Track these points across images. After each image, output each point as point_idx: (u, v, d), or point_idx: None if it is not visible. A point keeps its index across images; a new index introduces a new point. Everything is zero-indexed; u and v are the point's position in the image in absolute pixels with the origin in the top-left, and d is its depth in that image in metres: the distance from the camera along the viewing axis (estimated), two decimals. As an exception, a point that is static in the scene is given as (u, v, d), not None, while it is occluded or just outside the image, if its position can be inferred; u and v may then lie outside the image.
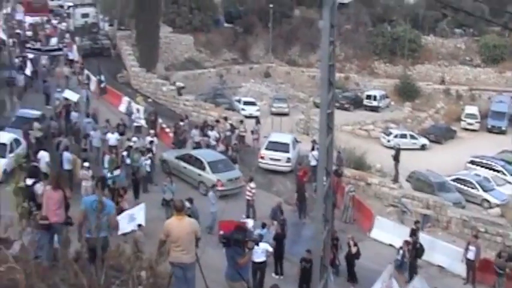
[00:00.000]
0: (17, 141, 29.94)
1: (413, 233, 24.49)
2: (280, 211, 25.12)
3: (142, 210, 23.53)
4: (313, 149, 32.48)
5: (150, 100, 42.59)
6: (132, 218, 22.77)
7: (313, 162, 31.50)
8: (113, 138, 31.47)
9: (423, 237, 25.29)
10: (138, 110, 38.70)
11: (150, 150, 31.15)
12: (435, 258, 25.90)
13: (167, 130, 38.04)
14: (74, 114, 35.55)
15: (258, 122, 38.99)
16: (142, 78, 51.09)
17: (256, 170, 33.40)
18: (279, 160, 34.19)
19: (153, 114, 37.77)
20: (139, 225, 21.75)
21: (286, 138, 36.66)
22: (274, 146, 34.70)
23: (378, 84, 67.60)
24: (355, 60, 71.96)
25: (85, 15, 61.83)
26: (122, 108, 42.90)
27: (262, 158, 34.52)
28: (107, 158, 28.78)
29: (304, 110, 54.12)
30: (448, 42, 72.91)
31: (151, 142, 32.04)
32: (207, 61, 67.75)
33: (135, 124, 37.04)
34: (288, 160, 34.19)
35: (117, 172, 26.27)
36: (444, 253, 25.98)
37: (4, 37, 51.37)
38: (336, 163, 28.85)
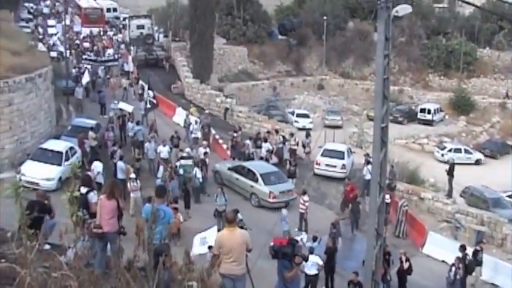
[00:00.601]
0: (72, 150, 30.62)
1: (464, 248, 23.84)
2: (333, 225, 24.92)
3: (214, 231, 23.41)
4: (367, 163, 32.16)
5: (206, 111, 42.72)
6: (204, 241, 22.60)
7: (367, 176, 31.17)
8: (164, 151, 31.75)
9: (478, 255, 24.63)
10: (196, 122, 38.85)
11: (204, 161, 31.35)
12: (489, 276, 25.23)
13: (220, 141, 38.30)
14: (129, 125, 36.19)
15: (308, 135, 38.77)
16: (196, 89, 51.60)
17: (309, 183, 33.27)
18: (334, 166, 34.81)
19: (206, 127, 37.97)
20: (210, 247, 21.62)
21: (341, 146, 37.94)
22: (330, 153, 35.50)
23: (432, 97, 66.57)
24: (409, 73, 71.09)
25: (140, 27, 62.76)
26: (176, 119, 43.45)
27: (318, 164, 35.15)
28: (161, 168, 29.16)
29: (358, 123, 53.69)
30: (505, 55, 71.33)
31: (205, 153, 32.22)
32: (260, 73, 68.00)
33: (193, 136, 37.21)
34: (343, 167, 34.78)
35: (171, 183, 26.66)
36: (499, 271, 25.30)
37: (62, 48, 52.65)
38: (389, 177, 28.49)
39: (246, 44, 67.66)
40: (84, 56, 49.45)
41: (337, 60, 72.05)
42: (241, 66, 66.70)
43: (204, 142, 34.32)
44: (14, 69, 31.37)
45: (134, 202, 25.11)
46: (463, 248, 23.82)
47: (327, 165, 34.87)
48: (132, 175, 26.78)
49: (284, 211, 25.89)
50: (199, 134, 37.53)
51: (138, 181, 26.38)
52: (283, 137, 37.57)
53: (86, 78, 46.91)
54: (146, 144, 32.26)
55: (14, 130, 30.70)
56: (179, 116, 43.81)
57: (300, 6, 76.87)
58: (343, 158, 35.24)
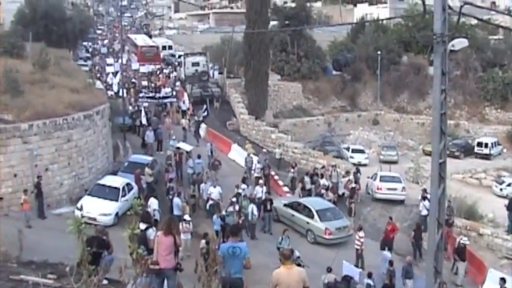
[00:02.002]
0: (129, 186, 31.10)
1: (504, 281, 23.03)
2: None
3: None
4: (424, 199, 31.65)
5: (264, 150, 42.33)
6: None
7: (423, 212, 30.81)
8: (215, 192, 31.12)
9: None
10: (258, 162, 38.75)
11: (265, 200, 31.16)
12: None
13: (276, 177, 38.30)
14: (189, 162, 36.67)
15: (357, 171, 38.51)
16: (251, 125, 51.92)
17: (365, 219, 32.93)
18: (395, 189, 37.24)
19: (267, 168, 37.63)
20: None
21: (394, 173, 41.23)
22: (388, 179, 38.42)
23: (489, 131, 65.16)
24: (465, 107, 69.87)
25: (195, 64, 63.59)
26: (232, 155, 43.73)
27: (379, 189, 37.19)
28: (210, 202, 29.31)
29: (414, 158, 52.98)
30: None
31: (267, 193, 32.26)
32: (315, 108, 67.99)
33: (255, 175, 37.02)
34: (403, 189, 37.52)
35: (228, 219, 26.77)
36: None
37: (115, 86, 53.64)
38: (446, 213, 27.88)
39: (300, 80, 67.87)
40: (141, 94, 50.29)
41: (392, 95, 71.55)
42: (296, 102, 66.86)
43: (260, 181, 33.99)
44: (73, 106, 32.24)
45: (185, 244, 24.69)
46: (503, 280, 23.00)
47: (388, 188, 37.19)
48: (186, 216, 26.69)
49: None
50: (260, 174, 37.33)
51: (191, 223, 26.19)
52: (340, 173, 37.45)
53: (143, 116, 47.77)
54: (202, 185, 32.18)
55: (73, 166, 31.35)
56: (235, 152, 44.09)
57: (354, 41, 76.87)
58: (401, 182, 38.32)
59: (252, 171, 38.22)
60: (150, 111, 48.92)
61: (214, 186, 31.40)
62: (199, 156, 37.44)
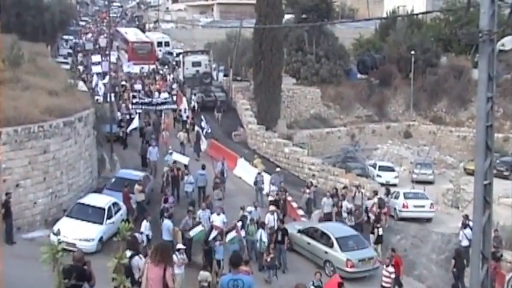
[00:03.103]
0: (115, 206, 31.06)
1: None
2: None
3: None
4: (464, 227, 31.41)
5: (278, 170, 41.28)
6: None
7: (464, 242, 30.54)
8: (218, 220, 29.90)
9: None
10: (272, 183, 38.35)
11: (284, 230, 30.84)
12: None
13: (289, 199, 38.14)
14: (185, 178, 36.72)
15: (388, 193, 38.36)
16: (261, 137, 51.89)
17: (395, 249, 32.66)
18: (422, 206, 38.87)
19: (283, 192, 37.18)
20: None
21: (418, 190, 43.29)
22: (414, 195, 40.14)
23: (545, 146, 64.90)
24: (516, 118, 69.68)
25: (196, 64, 63.73)
26: (238, 171, 43.65)
27: (405, 207, 38.52)
28: (214, 233, 29.00)
29: (453, 178, 52.82)
30: None
31: (282, 221, 32.01)
32: (336, 118, 67.94)
33: (270, 198, 36.69)
34: (432, 206, 39.30)
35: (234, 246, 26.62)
36: None
37: (102, 90, 53.52)
38: (493, 244, 27.67)
39: (319, 85, 67.88)
40: (134, 100, 49.85)
41: (428, 103, 71.39)
42: (313, 111, 66.83)
43: (272, 207, 33.48)
44: (51, 111, 32.13)
45: (180, 279, 23.46)
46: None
47: (415, 206, 38.64)
48: (180, 245, 25.68)
49: None
50: (275, 196, 36.95)
51: (185, 255, 25.50)
52: (365, 194, 37.31)
53: (134, 124, 47.68)
54: (199, 212, 30.99)
55: (49, 182, 31.18)
56: (241, 168, 44.03)
57: (383, 39, 76.88)
58: (428, 199, 40.03)
59: (264, 193, 38.07)
60: (148, 121, 48.54)
61: (218, 214, 30.82)
62: (203, 167, 37.72)
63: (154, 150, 41.42)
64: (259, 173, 39.64)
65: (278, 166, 44.47)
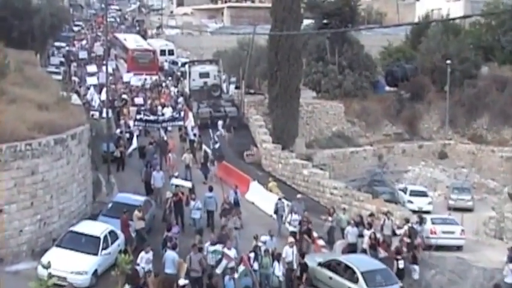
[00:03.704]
0: (112, 235, 30.93)
1: None
2: None
3: None
4: (510, 260, 31.14)
5: (299, 196, 40.62)
6: None
7: (509, 279, 30.28)
8: (229, 254, 29.88)
9: None
10: (294, 211, 37.95)
11: (304, 265, 30.63)
12: None
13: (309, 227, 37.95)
14: (191, 204, 36.67)
15: (421, 221, 38.14)
16: (277, 157, 51.75)
17: (428, 286, 32.45)
18: (452, 233, 38.89)
19: (305, 223, 36.86)
20: None
21: (446, 215, 43.67)
22: (443, 221, 40.27)
23: None
24: None
25: (204, 75, 63.82)
26: (250, 196, 43.49)
27: (433, 233, 38.25)
28: (223, 263, 28.89)
29: (496, 205, 52.41)
30: None
31: (302, 255, 31.70)
32: (361, 136, 67.85)
33: (291, 229, 36.34)
34: (463, 232, 39.35)
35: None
36: None
37: (95, 103, 53.45)
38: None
39: (342, 99, 67.89)
40: (138, 116, 49.64)
41: (466, 119, 71.21)
42: (336, 128, 66.81)
43: (291, 239, 33.35)
44: (40, 127, 32.07)
45: None
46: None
47: (444, 232, 38.51)
48: (182, 280, 25.59)
49: None
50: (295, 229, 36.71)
51: None
52: (395, 223, 37.09)
53: (133, 145, 47.67)
54: (206, 245, 30.62)
55: (37, 207, 31.03)
56: (254, 192, 43.89)
57: (415, 47, 76.84)
58: (458, 224, 40.15)
59: (283, 221, 37.91)
60: (153, 140, 48.34)
61: (229, 248, 30.70)
62: (211, 189, 37.87)
63: (159, 176, 41.07)
64: (279, 199, 39.36)
65: (297, 191, 44.35)
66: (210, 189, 37.98)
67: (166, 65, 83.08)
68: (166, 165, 45.25)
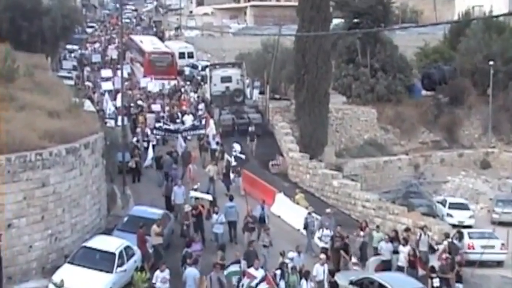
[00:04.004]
0: (128, 251, 31.03)
1: None
2: None
3: None
4: None
5: (328, 211, 40.45)
6: None
7: None
8: (257, 273, 29.57)
9: None
10: (326, 227, 37.81)
11: (334, 284, 30.56)
12: None
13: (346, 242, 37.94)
14: (214, 217, 36.82)
15: (460, 237, 37.97)
16: (304, 167, 51.77)
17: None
18: (492, 247, 38.93)
19: (339, 239, 36.70)
20: None
21: (489, 229, 44.16)
22: (481, 235, 40.67)
23: None
24: None
25: (226, 79, 63.97)
26: (276, 209, 43.52)
27: (471, 248, 38.62)
28: (245, 282, 28.89)
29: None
30: None
31: (332, 273, 31.60)
32: (396, 144, 67.67)
33: (322, 245, 36.43)
34: (503, 246, 39.78)
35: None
36: None
37: (109, 109, 53.52)
38: None
39: (375, 104, 67.76)
40: (158, 124, 49.68)
41: (511, 125, 70.74)
42: (368, 135, 66.66)
43: (323, 256, 33.34)
44: (51, 136, 32.22)
45: None
46: None
47: (482, 247, 38.16)
48: None
49: None
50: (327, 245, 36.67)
51: None
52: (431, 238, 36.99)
53: (149, 156, 47.87)
54: (230, 266, 31.12)
55: (48, 221, 31.18)
56: (280, 205, 43.89)
57: (454, 47, 76.41)
58: (497, 238, 40.43)
59: (313, 236, 37.92)
60: (173, 150, 48.46)
61: (257, 268, 30.48)
62: (231, 198, 38.33)
63: (180, 191, 40.61)
64: (309, 213, 39.22)
65: (326, 204, 44.38)
66: (231, 198, 38.34)
67: (187, 70, 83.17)
68: (186, 177, 45.11)
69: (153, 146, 49.66)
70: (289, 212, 42.67)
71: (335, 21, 66.80)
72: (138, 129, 52.77)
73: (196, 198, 38.69)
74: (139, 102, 61.45)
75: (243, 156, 45.91)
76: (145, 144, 50.38)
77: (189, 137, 50.77)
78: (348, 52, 69.15)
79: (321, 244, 36.53)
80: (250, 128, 56.62)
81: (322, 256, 32.64)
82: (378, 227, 39.26)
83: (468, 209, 54.11)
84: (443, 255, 34.66)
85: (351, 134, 65.75)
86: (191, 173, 45.45)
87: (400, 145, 67.85)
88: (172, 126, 50.31)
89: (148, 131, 51.65)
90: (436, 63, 73.62)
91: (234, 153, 47.09)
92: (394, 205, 45.83)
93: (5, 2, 56.73)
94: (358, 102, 67.78)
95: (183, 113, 57.90)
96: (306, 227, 38.83)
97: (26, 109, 34.35)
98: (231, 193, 43.01)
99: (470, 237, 39.66)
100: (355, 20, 67.84)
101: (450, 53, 75.83)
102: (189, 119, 55.39)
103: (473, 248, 38.55)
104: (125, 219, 35.95)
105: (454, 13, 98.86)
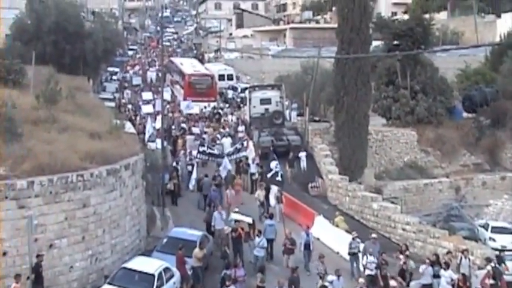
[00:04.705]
0: (167, 272, 31.20)
1: None
2: None
3: None
4: None
5: (373, 236, 39.97)
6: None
7: None
8: None
9: None
10: (370, 253, 37.50)
11: None
12: None
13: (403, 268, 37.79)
14: (256, 240, 36.92)
15: (500, 261, 37.61)
16: (344, 189, 51.62)
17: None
18: None
19: (384, 267, 36.41)
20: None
21: None
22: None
23: None
24: None
25: (265, 101, 64.09)
26: (316, 232, 43.45)
27: (506, 270, 37.19)
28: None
29: None
30: None
31: None
32: (436, 167, 67.23)
33: (367, 272, 35.96)
34: None
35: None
36: None
37: (149, 131, 53.43)
38: None
39: (415, 126, 67.36)
40: (201, 148, 49.52)
41: (557, 147, 70.20)
42: (408, 157, 66.30)
43: (361, 280, 33.17)
44: (92, 157, 32.66)
45: None
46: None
47: None
48: None
49: None
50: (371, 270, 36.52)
51: None
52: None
53: (193, 179, 48.03)
54: None
55: (89, 242, 31.58)
56: (319, 227, 43.85)
57: (496, 68, 75.92)
58: None
59: (357, 262, 37.82)
60: (216, 174, 48.39)
61: None
62: (271, 217, 38.68)
63: (219, 216, 40.21)
64: (353, 239, 38.79)
65: (366, 226, 44.18)
66: (271, 216, 38.51)
67: (230, 93, 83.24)
68: (224, 202, 44.51)
69: (193, 167, 49.88)
70: (328, 234, 42.61)
71: (374, 43, 66.75)
72: (181, 152, 52.84)
73: (236, 221, 38.72)
74: (182, 125, 61.63)
75: (279, 177, 45.41)
76: (189, 167, 50.63)
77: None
78: (387, 74, 68.88)
79: (367, 272, 35.87)
80: (290, 154, 56.23)
81: (361, 280, 32.55)
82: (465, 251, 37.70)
83: (511, 233, 53.71)
84: (487, 281, 34.44)
85: (391, 156, 65.49)
86: (228, 198, 45.27)
87: (440, 168, 67.42)
88: (216, 151, 50.36)
89: (192, 153, 51.76)
90: (478, 85, 73.10)
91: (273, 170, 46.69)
92: (434, 228, 45.53)
93: (48, 25, 57.45)
94: (398, 124, 67.48)
95: (222, 135, 58.10)
96: (350, 253, 38.41)
97: (68, 131, 34.81)
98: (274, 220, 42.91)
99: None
100: (395, 42, 67.71)
101: (492, 75, 75.26)
102: (227, 142, 55.68)
103: (507, 270, 37.87)
104: (164, 240, 36.11)
105: (495, 34, 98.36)
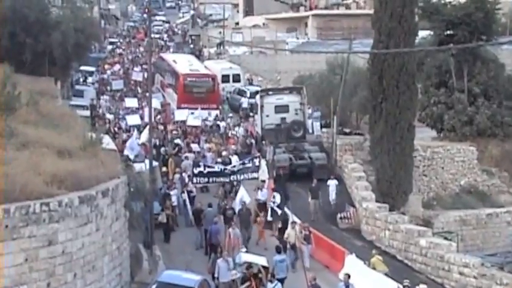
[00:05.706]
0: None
1: None
2: None
3: None
4: None
5: (406, 284, 39.03)
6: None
7: None
8: None
9: None
10: None
11: None
12: None
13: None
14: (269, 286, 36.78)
15: None
16: (382, 221, 51.50)
17: None
18: None
19: None
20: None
21: None
22: None
23: None
24: None
25: (282, 108, 64.04)
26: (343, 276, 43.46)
27: None
28: None
29: None
30: None
31: None
32: (503, 192, 67.16)
33: None
34: None
35: None
36: None
37: (133, 151, 53.31)
38: None
39: (474, 139, 67.39)
40: (197, 169, 48.89)
41: None
42: (465, 180, 66.33)
43: None
44: (60, 181, 32.43)
45: None
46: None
47: None
48: None
49: None
50: None
51: None
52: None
53: (189, 210, 48.20)
54: None
55: (57, 289, 31.64)
56: (351, 270, 43.73)
57: None
58: None
59: None
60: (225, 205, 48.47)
61: None
62: (279, 250, 39.38)
63: (224, 265, 39.07)
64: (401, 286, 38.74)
65: (412, 269, 44.12)
66: (279, 250, 38.55)
67: (245, 102, 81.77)
68: (226, 244, 43.51)
69: (193, 198, 49.67)
70: (362, 279, 42.45)
71: (422, 33, 66.71)
72: (176, 176, 52.68)
73: (248, 266, 38.49)
74: (177, 140, 61.24)
75: (279, 211, 45.27)
76: (184, 196, 50.51)
77: (234, 182, 50.39)
78: (438, 73, 68.92)
79: None
80: (314, 182, 54.66)
81: None
82: None
83: None
84: None
85: (444, 178, 65.45)
86: (231, 239, 44.02)
87: (508, 193, 67.40)
88: (216, 167, 49.82)
89: (186, 178, 51.68)
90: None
91: (272, 205, 46.47)
92: (502, 272, 45.36)
93: (3, 12, 57.30)
94: (452, 137, 67.47)
95: (228, 154, 57.75)
96: None
97: (30, 147, 34.66)
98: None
99: None
100: (448, 32, 67.71)
101: None
102: (233, 160, 55.22)
103: None
104: (153, 287, 36.05)
105: None
